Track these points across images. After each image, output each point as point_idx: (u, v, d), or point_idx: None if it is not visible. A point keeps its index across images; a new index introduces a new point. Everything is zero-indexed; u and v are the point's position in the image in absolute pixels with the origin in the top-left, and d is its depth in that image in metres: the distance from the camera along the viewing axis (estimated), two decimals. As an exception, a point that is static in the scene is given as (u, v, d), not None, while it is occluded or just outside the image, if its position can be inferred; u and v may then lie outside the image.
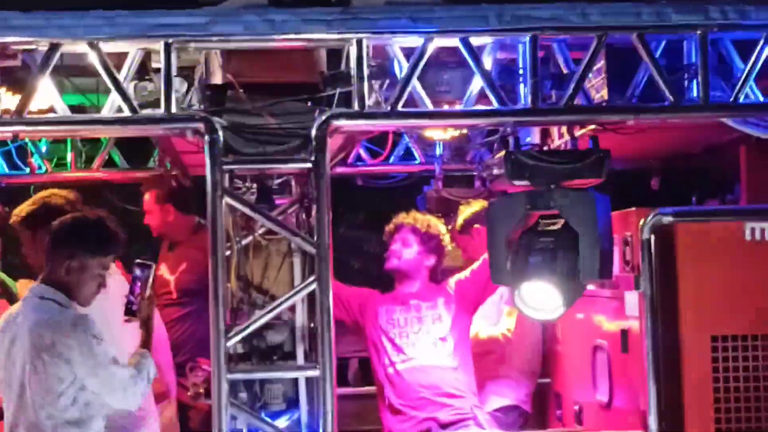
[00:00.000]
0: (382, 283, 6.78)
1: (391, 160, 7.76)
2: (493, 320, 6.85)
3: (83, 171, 7.51)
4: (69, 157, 7.49)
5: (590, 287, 5.50)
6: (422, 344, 6.42)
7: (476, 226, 6.88)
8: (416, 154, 7.69)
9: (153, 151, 7.67)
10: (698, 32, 5.32)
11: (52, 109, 5.37)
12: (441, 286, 6.58)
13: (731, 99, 5.40)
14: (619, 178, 6.66)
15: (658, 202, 6.00)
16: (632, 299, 5.63)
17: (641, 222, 5.57)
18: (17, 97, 5.31)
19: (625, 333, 5.74)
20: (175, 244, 7.37)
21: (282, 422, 5.76)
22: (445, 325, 6.42)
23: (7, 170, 7.46)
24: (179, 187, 7.25)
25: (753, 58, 5.37)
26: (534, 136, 6.24)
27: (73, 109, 5.60)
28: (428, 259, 6.57)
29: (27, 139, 6.96)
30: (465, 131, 6.56)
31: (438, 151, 7.36)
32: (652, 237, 5.54)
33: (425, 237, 6.57)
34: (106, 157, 7.57)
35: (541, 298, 5.40)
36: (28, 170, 7.35)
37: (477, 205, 6.99)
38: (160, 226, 7.33)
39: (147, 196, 7.32)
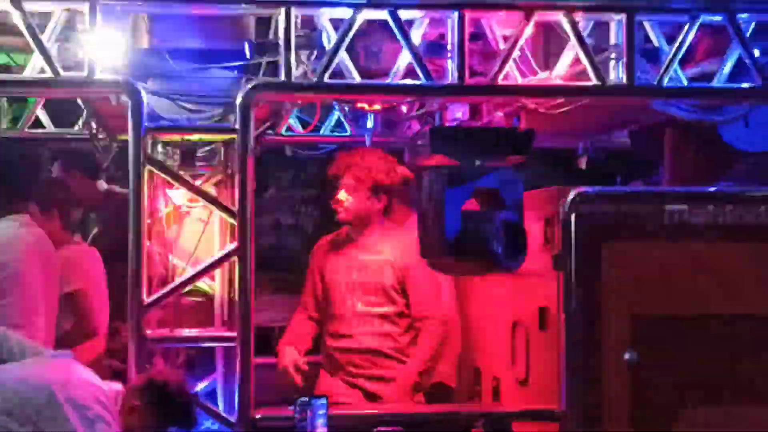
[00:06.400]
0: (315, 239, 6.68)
1: (322, 130, 7.71)
2: None
3: (10, 131, 7.41)
4: (-5, 116, 7.39)
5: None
6: None
7: None
8: (347, 126, 7.65)
9: (81, 113, 7.58)
10: (624, 14, 5.36)
11: (-26, 68, 5.30)
12: None
13: (656, 81, 5.45)
14: (547, 156, 6.67)
15: (585, 181, 6.00)
16: (551, 278, 5.65)
17: (563, 201, 5.55)
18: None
19: (543, 311, 5.77)
20: None
21: (199, 389, 5.77)
22: None
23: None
24: None
25: (678, 42, 5.42)
26: (463, 113, 6.25)
27: (-2, 68, 5.54)
28: None
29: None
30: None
31: (369, 123, 7.34)
32: (573, 216, 5.52)
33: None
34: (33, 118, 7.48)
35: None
36: (-44, 130, 7.23)
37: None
38: None
39: None
